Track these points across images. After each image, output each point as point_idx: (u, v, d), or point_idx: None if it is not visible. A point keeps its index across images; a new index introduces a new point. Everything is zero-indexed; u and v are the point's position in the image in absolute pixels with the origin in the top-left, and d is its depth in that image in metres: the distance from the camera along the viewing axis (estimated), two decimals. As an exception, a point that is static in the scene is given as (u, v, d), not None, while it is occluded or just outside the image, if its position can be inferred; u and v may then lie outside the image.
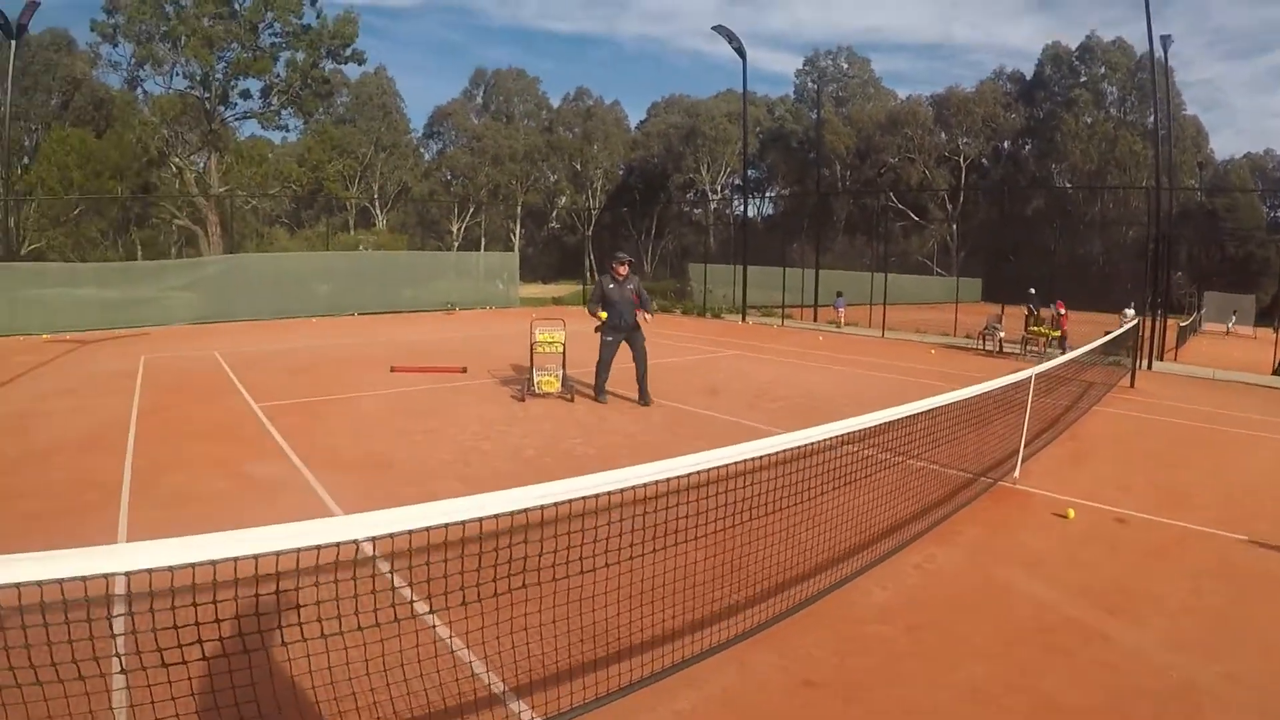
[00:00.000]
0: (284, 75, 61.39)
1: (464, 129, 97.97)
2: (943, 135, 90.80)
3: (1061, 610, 7.04)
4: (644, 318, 16.68)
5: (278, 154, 73.74)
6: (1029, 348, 27.80)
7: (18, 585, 3.06)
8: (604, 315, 16.34)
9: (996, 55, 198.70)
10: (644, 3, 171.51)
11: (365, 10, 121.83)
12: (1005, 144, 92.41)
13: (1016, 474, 11.21)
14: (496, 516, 4.38)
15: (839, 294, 40.76)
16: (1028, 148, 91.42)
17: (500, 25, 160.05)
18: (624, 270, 16.56)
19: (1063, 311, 27.50)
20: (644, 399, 16.85)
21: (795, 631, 6.54)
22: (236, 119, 65.33)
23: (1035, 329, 27.95)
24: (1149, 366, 25.31)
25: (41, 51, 67.71)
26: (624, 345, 16.72)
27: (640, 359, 16.85)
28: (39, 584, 3.09)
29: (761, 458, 5.98)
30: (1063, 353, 20.16)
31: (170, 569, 3.35)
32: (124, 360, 22.31)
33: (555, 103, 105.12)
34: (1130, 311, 28.03)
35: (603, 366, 16.64)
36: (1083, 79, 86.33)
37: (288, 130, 70.57)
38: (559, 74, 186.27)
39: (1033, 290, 29.29)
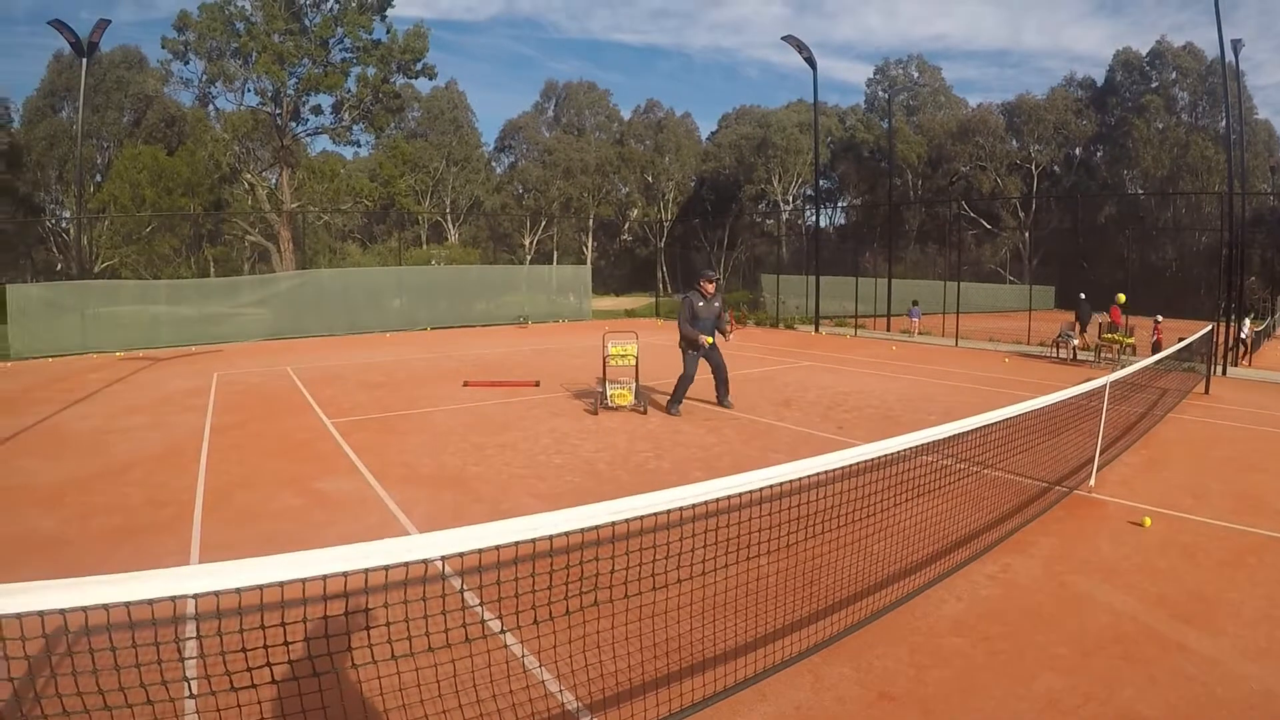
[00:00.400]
0: (355, 90, 61.87)
1: (535, 142, 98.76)
2: (1014, 143, 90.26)
3: (1139, 619, 6.92)
4: (721, 339, 16.69)
5: (349, 169, 74.40)
6: (1103, 355, 27.48)
7: (85, 609, 3.03)
8: (709, 340, 16.50)
9: (1066, 61, 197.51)
10: (713, 14, 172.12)
11: (435, 24, 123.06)
12: (1077, 151, 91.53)
13: (1092, 482, 11.04)
14: (568, 534, 4.33)
15: (914, 303, 40.57)
16: (1099, 154, 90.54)
17: (570, 38, 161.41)
18: (711, 287, 16.60)
19: (1158, 319, 27.41)
20: (724, 401, 17.14)
21: (869, 643, 6.45)
22: (308, 134, 66.37)
23: (1109, 336, 27.64)
24: (1224, 372, 24.91)
25: (113, 69, 69.11)
26: (703, 361, 16.76)
27: (720, 376, 17.07)
28: (106, 607, 3.07)
29: (835, 470, 5.90)
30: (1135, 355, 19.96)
31: (238, 591, 3.32)
32: (197, 377, 22.61)
33: (626, 115, 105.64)
34: (1248, 322, 27.62)
35: (686, 380, 16.55)
36: (1154, 84, 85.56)
37: (359, 145, 71.40)
38: (629, 86, 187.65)
39: (1083, 295, 28.94)
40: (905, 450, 6.66)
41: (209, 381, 21.56)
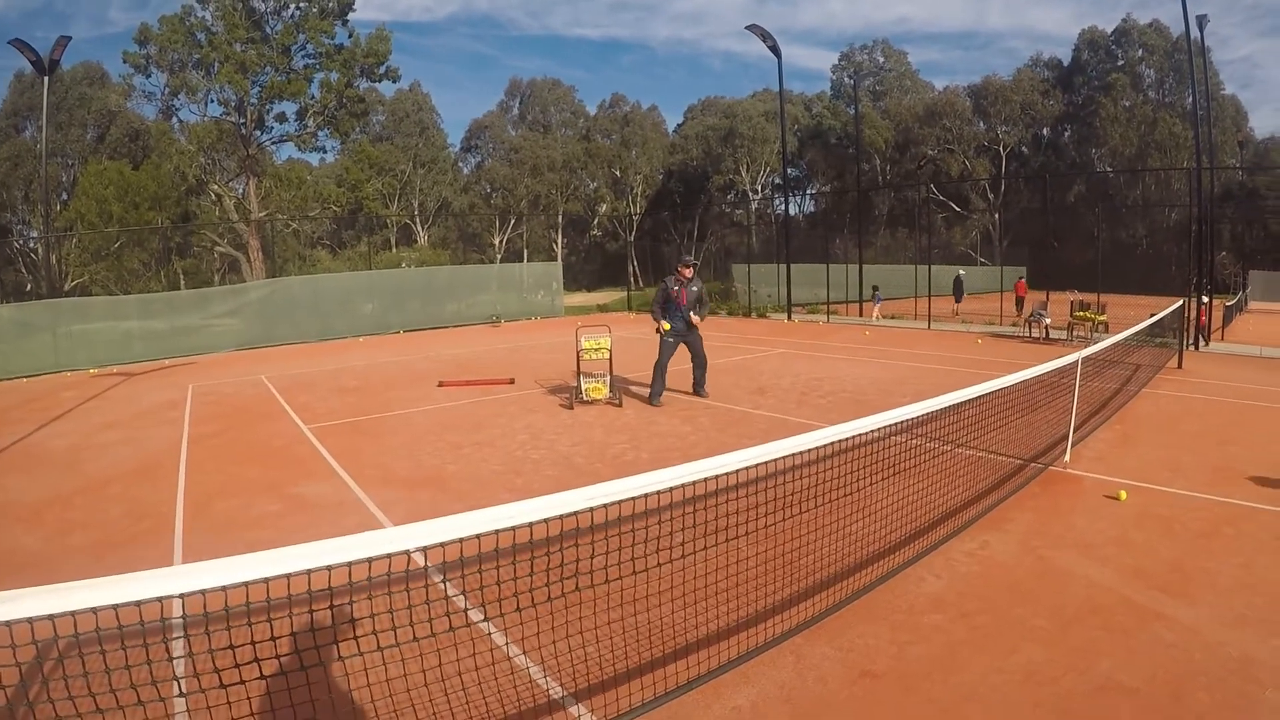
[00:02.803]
0: (319, 96, 61.57)
1: (502, 141, 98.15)
2: (981, 125, 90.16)
3: (1117, 591, 7.00)
4: (694, 319, 16.77)
5: (316, 175, 74.12)
6: (1075, 333, 27.59)
7: (73, 614, 3.07)
8: (667, 326, 16.72)
9: (1031, 41, 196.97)
10: (673, 5, 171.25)
11: (394, 26, 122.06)
12: (1044, 131, 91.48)
13: (1067, 458, 11.14)
14: (546, 521, 4.38)
15: (875, 289, 40.79)
16: (1067, 134, 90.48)
17: (531, 35, 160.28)
18: (689, 273, 16.82)
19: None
20: (699, 391, 17.32)
21: (850, 623, 6.54)
22: (273, 143, 66.14)
23: (1080, 314, 27.77)
24: (1196, 347, 25.14)
25: (75, 86, 68.75)
26: (683, 346, 17.00)
27: (699, 363, 17.30)
28: (94, 610, 3.10)
29: (811, 450, 5.97)
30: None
31: (224, 589, 3.36)
32: (172, 390, 22.50)
33: (592, 110, 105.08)
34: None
35: (661, 369, 16.75)
36: (1120, 62, 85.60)
37: (325, 151, 71.44)
38: (593, 81, 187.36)
39: (961, 273, 29.02)
40: (879, 430, 6.73)
41: (184, 394, 21.46)
